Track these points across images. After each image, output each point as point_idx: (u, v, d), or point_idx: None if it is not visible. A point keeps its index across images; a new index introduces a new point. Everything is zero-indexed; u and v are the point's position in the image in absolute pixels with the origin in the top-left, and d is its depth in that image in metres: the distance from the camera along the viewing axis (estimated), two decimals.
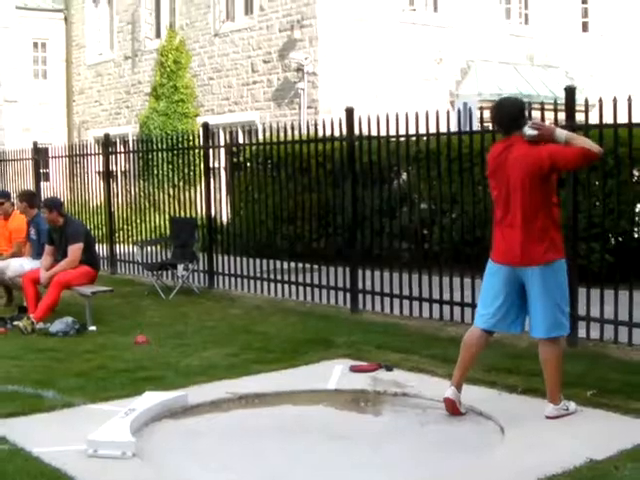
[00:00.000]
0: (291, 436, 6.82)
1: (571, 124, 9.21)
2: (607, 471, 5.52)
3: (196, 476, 5.82)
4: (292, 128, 12.97)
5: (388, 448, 6.49)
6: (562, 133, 6.77)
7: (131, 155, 17.17)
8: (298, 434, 6.86)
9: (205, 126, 14.85)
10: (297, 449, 6.51)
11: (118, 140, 17.84)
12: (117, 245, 17.18)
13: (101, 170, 17.55)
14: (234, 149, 15.75)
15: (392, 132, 11.31)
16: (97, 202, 18.10)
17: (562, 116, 9.48)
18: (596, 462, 5.71)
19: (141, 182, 17.20)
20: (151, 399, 7.29)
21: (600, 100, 8.97)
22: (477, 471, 5.84)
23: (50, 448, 6.23)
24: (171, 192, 16.03)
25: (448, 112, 10.78)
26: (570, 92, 9.46)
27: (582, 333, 9.39)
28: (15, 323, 11.01)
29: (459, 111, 10.86)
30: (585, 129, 9.19)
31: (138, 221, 16.81)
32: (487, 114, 10.49)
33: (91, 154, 17.93)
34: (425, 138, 11.05)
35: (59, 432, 6.73)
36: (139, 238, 16.52)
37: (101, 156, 17.60)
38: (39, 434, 6.64)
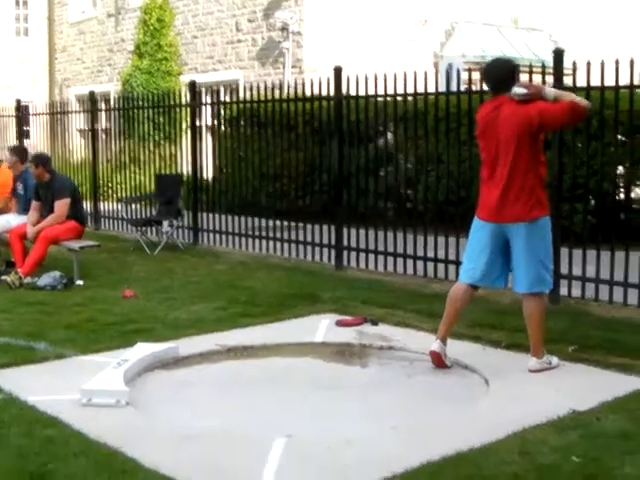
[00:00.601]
0: (281, 386, 6.95)
1: (559, 86, 9.32)
2: (590, 421, 5.69)
3: (189, 424, 5.93)
4: (280, 87, 13.04)
5: (376, 398, 6.64)
6: (551, 91, 6.90)
7: (117, 113, 17.15)
8: (288, 384, 7.00)
9: (192, 84, 14.89)
10: (287, 399, 6.64)
11: (100, 98, 17.80)
12: (100, 202, 17.24)
13: (86, 127, 17.60)
14: (222, 107, 15.81)
15: (380, 92, 11.41)
16: (78, 159, 18.15)
17: (550, 79, 9.58)
18: (579, 413, 5.87)
19: (126, 140, 17.22)
20: (143, 350, 7.41)
21: (588, 63, 9.07)
22: (464, 420, 5.98)
23: (44, 397, 6.33)
24: (155, 150, 16.07)
25: (436, 72, 10.87)
26: (558, 55, 9.56)
27: (564, 291, 9.58)
28: (3, 278, 11.06)
29: (447, 72, 10.94)
30: (573, 92, 9.30)
31: (121, 178, 16.87)
32: (474, 75, 10.63)
33: (77, 111, 17.97)
34: (412, 98, 11.15)
35: (52, 382, 6.83)
36: (122, 195, 16.60)
37: (86, 113, 17.66)
38: (33, 384, 6.74)
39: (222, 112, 15.57)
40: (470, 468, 4.89)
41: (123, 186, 16.76)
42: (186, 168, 14.96)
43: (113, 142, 17.03)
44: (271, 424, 6.02)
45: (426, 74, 10.81)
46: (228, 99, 19.60)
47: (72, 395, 6.30)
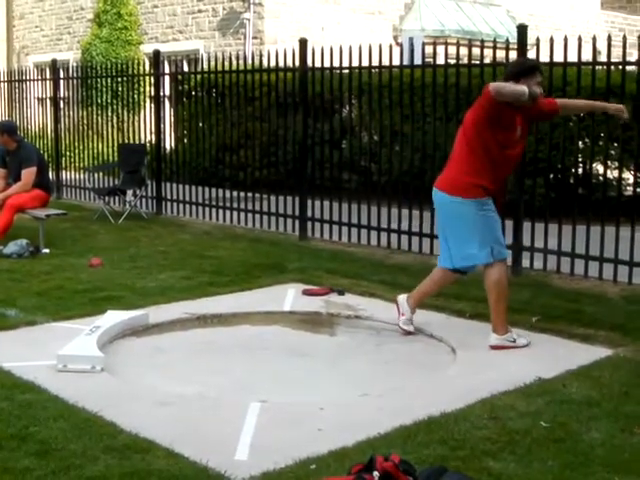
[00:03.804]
0: (253, 353, 7.09)
1: None
2: (555, 388, 5.86)
3: (166, 389, 6.03)
4: (244, 58, 13.09)
5: (347, 364, 6.80)
6: None
7: (79, 81, 17.07)
8: (259, 351, 7.13)
9: (156, 53, 14.81)
10: (260, 365, 6.78)
11: (59, 66, 17.68)
12: (61, 171, 17.20)
13: (45, 96, 17.53)
14: (187, 77, 15.80)
15: (345, 64, 11.49)
16: (37, 128, 18.07)
17: (513, 54, 9.71)
18: (545, 380, 6.05)
19: (86, 108, 17.16)
20: (113, 317, 7.48)
21: (551, 39, 9.23)
22: (434, 387, 6.14)
23: (20, 363, 6.40)
24: (117, 119, 16.06)
25: (401, 45, 11.00)
26: (522, 30, 9.67)
27: (526, 263, 9.78)
28: None
29: (411, 44, 11.06)
30: None
31: (83, 147, 16.85)
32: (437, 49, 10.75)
33: (38, 79, 17.88)
34: (377, 70, 11.23)
35: (26, 348, 6.91)
36: (83, 164, 16.58)
37: (47, 82, 17.58)
38: (7, 350, 6.82)
39: (187, 82, 15.58)
40: (443, 432, 5.04)
41: (84, 155, 16.72)
42: (149, 138, 14.96)
43: (72, 111, 16.96)
44: (245, 389, 6.15)
45: (391, 47, 10.94)
46: (192, 69, 19.56)
47: (47, 361, 6.38)
